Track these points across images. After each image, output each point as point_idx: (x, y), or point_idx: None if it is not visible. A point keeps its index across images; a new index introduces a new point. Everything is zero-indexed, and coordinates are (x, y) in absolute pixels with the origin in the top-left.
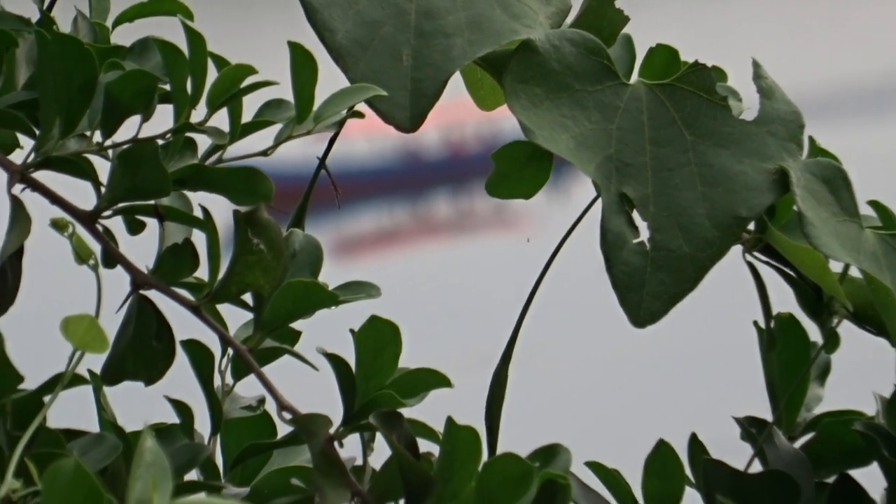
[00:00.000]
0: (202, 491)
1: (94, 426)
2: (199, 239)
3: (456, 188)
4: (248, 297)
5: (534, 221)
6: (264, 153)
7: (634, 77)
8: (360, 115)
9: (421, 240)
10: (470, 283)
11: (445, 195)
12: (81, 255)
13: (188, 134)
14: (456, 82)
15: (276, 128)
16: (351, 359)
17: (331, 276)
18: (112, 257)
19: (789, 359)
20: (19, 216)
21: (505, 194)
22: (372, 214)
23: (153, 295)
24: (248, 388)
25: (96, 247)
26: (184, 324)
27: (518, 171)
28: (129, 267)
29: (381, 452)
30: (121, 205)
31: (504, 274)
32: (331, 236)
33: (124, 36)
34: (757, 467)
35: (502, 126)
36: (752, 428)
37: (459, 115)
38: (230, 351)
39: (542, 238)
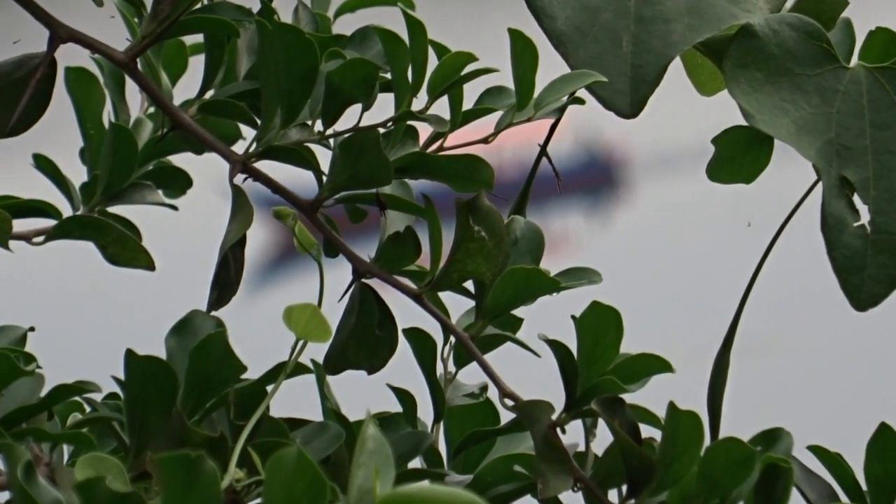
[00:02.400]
0: (425, 479)
1: (317, 415)
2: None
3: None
4: (469, 285)
5: (575, 246)
6: (485, 140)
7: (854, 61)
8: (580, 101)
9: None
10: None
11: None
12: (303, 245)
13: (409, 122)
14: None
15: (497, 115)
16: (572, 345)
17: None
18: (334, 246)
19: None
20: (241, 206)
21: (726, 179)
22: None
23: (375, 283)
24: (471, 375)
25: (318, 236)
26: (406, 312)
27: (739, 155)
28: (351, 256)
29: (604, 438)
30: (342, 193)
31: (546, 298)
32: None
33: (345, 26)
34: None
35: (539, 151)
36: None
37: (498, 140)
38: (452, 339)
39: (587, 260)
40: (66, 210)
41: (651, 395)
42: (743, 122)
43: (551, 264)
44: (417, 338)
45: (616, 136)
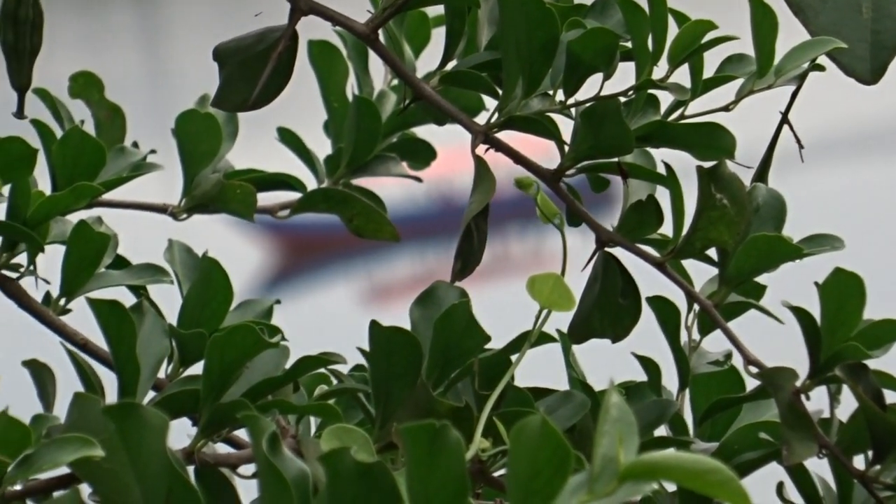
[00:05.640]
0: (671, 446)
1: (562, 384)
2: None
3: (490, 232)
4: (712, 252)
5: (569, 262)
6: (726, 108)
7: None
8: (820, 67)
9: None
10: (507, 328)
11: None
12: (546, 214)
13: (650, 91)
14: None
15: (738, 83)
16: (816, 311)
17: (364, 323)
18: (577, 215)
19: None
20: (484, 176)
21: None
22: (405, 260)
23: (618, 252)
24: (715, 342)
25: (561, 205)
26: (649, 280)
27: None
28: (594, 225)
29: (848, 404)
30: (584, 163)
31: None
32: (363, 283)
33: None
34: None
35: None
36: None
37: (492, 158)
38: (696, 306)
39: (575, 279)
40: (311, 183)
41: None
42: None
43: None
44: (661, 306)
45: None
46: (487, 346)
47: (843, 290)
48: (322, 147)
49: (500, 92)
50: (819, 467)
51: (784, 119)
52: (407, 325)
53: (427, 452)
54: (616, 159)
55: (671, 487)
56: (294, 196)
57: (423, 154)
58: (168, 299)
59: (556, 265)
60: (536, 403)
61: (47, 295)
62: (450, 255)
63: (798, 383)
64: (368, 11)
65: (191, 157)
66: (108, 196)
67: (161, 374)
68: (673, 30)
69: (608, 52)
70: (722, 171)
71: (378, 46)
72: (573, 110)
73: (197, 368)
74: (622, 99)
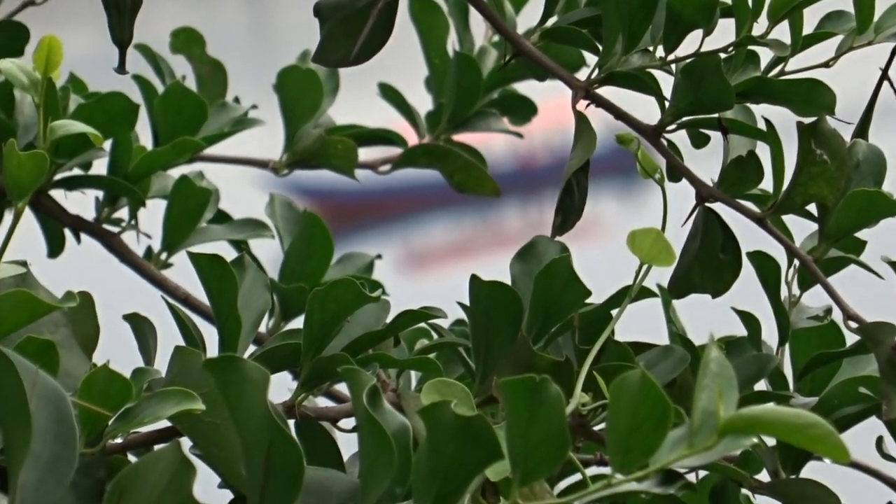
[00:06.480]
0: (770, 401)
1: (662, 339)
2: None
3: (526, 199)
4: (812, 208)
5: (606, 231)
6: (826, 64)
7: None
8: None
9: (492, 251)
10: None
11: (516, 206)
12: (647, 170)
13: (750, 47)
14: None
15: (837, 39)
16: None
17: (400, 289)
18: (677, 171)
19: None
20: (584, 132)
21: None
22: (441, 227)
23: (718, 207)
24: (815, 297)
25: (661, 161)
26: (749, 235)
27: None
28: (695, 180)
29: None
30: (684, 118)
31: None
32: (399, 250)
33: None
34: None
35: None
36: None
37: (527, 126)
38: (796, 261)
39: (617, 247)
40: (412, 138)
41: None
42: None
43: (583, 249)
44: (761, 261)
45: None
46: (588, 300)
47: None
48: (423, 103)
49: (601, 48)
50: None
51: (884, 75)
52: (443, 292)
53: (527, 406)
54: (716, 115)
55: (771, 442)
56: (395, 151)
57: (523, 110)
58: (269, 254)
59: (598, 232)
60: (636, 358)
61: (149, 249)
62: (485, 222)
63: None
64: None
65: (292, 113)
66: (210, 151)
67: (262, 329)
68: None
69: (708, 8)
70: (822, 126)
71: (478, 2)
72: (673, 66)
73: (298, 323)
74: (722, 55)
